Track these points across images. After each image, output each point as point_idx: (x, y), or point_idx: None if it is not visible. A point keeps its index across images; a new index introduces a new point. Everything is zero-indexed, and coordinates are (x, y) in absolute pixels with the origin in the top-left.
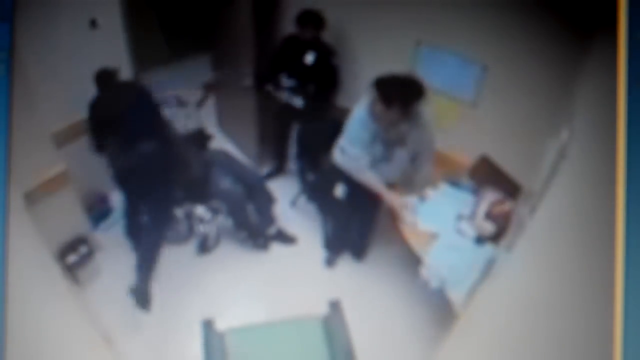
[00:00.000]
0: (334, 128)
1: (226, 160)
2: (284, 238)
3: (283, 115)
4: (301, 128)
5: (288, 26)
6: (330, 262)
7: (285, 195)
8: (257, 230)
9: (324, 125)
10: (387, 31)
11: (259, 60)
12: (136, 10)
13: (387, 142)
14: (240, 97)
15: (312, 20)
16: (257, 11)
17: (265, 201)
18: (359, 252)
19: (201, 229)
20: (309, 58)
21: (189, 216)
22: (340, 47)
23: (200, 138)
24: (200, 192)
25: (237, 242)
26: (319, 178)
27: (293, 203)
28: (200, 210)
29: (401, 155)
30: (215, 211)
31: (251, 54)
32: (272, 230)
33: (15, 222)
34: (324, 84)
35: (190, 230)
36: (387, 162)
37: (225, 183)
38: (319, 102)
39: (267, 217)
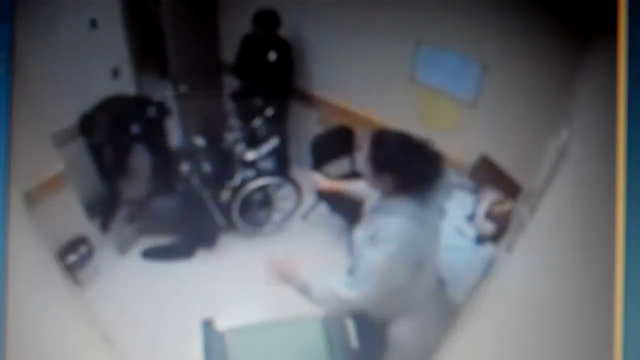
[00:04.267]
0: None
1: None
2: None
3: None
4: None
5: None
6: None
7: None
8: None
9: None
10: (387, 31)
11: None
12: (136, 10)
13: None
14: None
15: (266, 19)
16: None
17: None
18: None
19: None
20: (272, 56)
21: (263, 198)
22: (336, 45)
23: None
24: (226, 173)
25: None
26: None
27: (304, 216)
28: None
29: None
30: (260, 172)
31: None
32: None
33: (15, 222)
34: (282, 79)
35: (269, 209)
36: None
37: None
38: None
39: None
